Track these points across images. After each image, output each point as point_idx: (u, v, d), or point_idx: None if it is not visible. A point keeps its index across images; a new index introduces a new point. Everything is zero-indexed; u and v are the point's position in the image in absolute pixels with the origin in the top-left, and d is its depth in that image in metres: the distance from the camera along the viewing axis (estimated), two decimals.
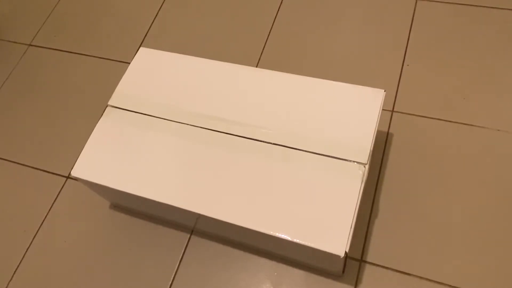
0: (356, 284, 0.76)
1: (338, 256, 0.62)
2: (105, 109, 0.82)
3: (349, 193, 0.66)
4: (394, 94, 0.93)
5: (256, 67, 1.03)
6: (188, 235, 0.86)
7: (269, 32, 1.08)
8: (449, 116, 0.89)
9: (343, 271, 0.77)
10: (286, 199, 0.67)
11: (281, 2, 1.12)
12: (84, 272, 0.86)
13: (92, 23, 1.22)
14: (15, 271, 0.89)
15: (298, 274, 0.79)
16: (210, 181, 0.70)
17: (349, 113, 0.73)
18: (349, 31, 1.04)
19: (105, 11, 1.24)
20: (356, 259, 0.78)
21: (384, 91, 0.74)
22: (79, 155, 0.78)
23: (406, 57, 0.98)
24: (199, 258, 0.83)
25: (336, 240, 0.63)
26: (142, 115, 0.80)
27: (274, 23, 1.10)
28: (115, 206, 0.92)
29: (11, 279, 0.89)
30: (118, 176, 0.74)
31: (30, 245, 0.92)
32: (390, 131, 0.90)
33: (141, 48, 0.88)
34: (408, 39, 1.00)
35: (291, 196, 0.67)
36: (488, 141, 0.85)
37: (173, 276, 0.83)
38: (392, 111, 0.92)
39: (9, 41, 1.25)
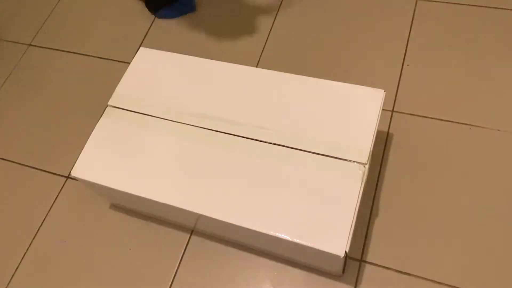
0: (356, 284, 0.76)
1: (338, 256, 0.62)
2: (105, 109, 0.82)
3: (349, 193, 0.66)
4: (394, 94, 0.93)
5: (256, 67, 1.03)
6: (188, 235, 0.86)
7: (269, 32, 1.08)
8: (449, 116, 0.89)
9: (343, 271, 0.77)
10: (286, 199, 0.67)
11: (281, 2, 1.12)
12: (84, 272, 0.86)
13: (92, 23, 1.22)
14: (15, 271, 0.89)
15: (298, 274, 0.79)
16: (210, 181, 0.70)
17: (349, 113, 0.73)
18: (349, 31, 1.04)
19: (105, 11, 1.24)
20: (356, 259, 0.78)
21: (384, 91, 0.74)
22: (79, 155, 0.78)
23: (406, 57, 0.98)
24: (199, 258, 0.83)
25: (336, 240, 0.63)
26: (142, 115, 0.80)
27: (274, 23, 1.10)
28: (115, 206, 0.92)
29: (11, 279, 0.89)
30: (118, 176, 0.74)
31: (30, 245, 0.92)
32: (390, 131, 0.90)
33: (141, 48, 0.88)
34: (408, 39, 1.00)
35: (291, 196, 0.67)
36: (488, 141, 0.85)
37: (173, 276, 0.83)
38: (392, 111, 0.92)
39: (9, 41, 1.25)
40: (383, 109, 0.84)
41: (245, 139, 0.73)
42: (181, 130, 0.76)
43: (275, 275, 0.79)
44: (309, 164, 0.69)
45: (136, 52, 0.88)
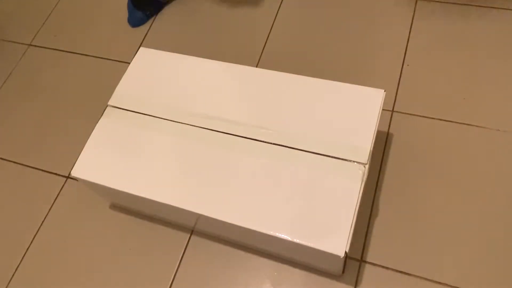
0: (356, 284, 0.76)
1: (338, 256, 0.62)
2: (105, 109, 0.82)
3: (349, 193, 0.66)
4: (394, 94, 0.93)
5: (256, 67, 1.03)
6: (188, 235, 0.86)
7: (269, 32, 1.08)
8: (449, 116, 0.89)
9: (343, 271, 0.77)
10: (286, 199, 0.67)
11: (281, 2, 1.12)
12: (84, 272, 0.86)
13: (92, 23, 1.22)
14: (15, 271, 0.89)
15: (298, 274, 0.79)
16: (210, 181, 0.70)
17: (349, 113, 0.73)
18: (349, 31, 1.04)
19: (104, 11, 1.24)
20: (356, 259, 0.78)
21: (384, 91, 0.74)
22: (79, 155, 0.78)
23: (406, 57, 0.98)
24: (199, 258, 0.83)
25: (336, 240, 0.63)
26: (142, 115, 0.80)
27: (274, 23, 1.10)
28: (115, 206, 0.92)
29: (11, 279, 0.89)
30: (118, 176, 0.74)
31: (30, 245, 0.92)
32: (390, 131, 0.90)
33: (141, 48, 0.88)
34: (408, 39, 1.00)
35: (291, 196, 0.67)
36: (488, 141, 0.85)
37: (173, 276, 0.83)
38: (392, 111, 0.92)
39: (9, 41, 1.25)
40: (383, 109, 0.84)
41: (245, 139, 0.73)
42: (181, 130, 0.76)
43: (275, 275, 0.79)
44: (309, 164, 0.69)
45: (136, 52, 0.88)
